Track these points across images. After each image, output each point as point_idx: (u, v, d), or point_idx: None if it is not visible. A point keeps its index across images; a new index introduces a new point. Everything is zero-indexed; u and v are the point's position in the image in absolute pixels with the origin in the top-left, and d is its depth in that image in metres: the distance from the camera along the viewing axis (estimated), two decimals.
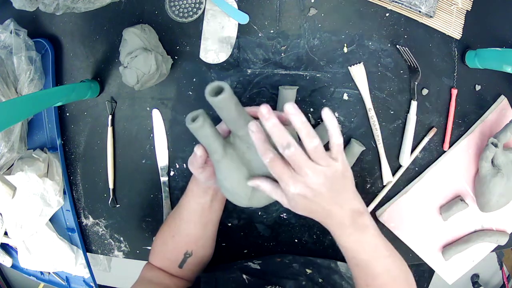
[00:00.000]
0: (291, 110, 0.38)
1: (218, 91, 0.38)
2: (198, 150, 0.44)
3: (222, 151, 0.42)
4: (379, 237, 0.44)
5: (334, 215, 0.41)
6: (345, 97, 0.61)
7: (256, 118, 0.43)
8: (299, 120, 0.38)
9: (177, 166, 0.64)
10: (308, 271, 0.56)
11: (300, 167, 0.39)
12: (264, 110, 0.38)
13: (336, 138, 0.40)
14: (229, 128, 0.43)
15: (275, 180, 0.41)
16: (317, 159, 0.39)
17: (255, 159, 0.43)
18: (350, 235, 0.42)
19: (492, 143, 0.56)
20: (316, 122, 0.62)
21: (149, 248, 0.68)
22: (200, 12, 0.59)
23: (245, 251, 0.67)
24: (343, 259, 0.64)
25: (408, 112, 0.61)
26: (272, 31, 0.59)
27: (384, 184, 0.63)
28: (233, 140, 0.44)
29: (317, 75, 0.60)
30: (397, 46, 0.59)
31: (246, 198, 0.44)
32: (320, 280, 0.55)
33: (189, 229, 0.54)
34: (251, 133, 0.39)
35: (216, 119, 0.42)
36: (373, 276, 0.44)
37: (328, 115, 0.39)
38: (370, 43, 0.59)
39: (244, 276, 0.52)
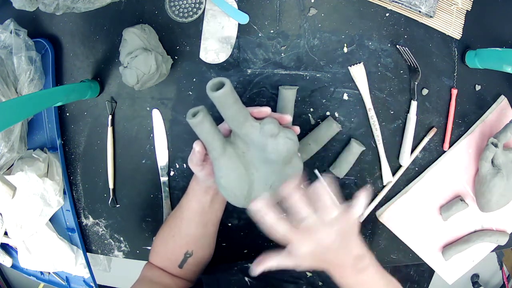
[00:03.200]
0: (319, 190, 0.40)
1: (219, 87, 0.38)
2: (196, 146, 0.44)
3: (221, 149, 0.42)
4: (377, 274, 0.45)
5: (337, 262, 0.41)
6: (345, 97, 0.61)
7: (258, 118, 0.43)
8: (325, 194, 0.39)
9: (177, 166, 0.64)
10: (308, 274, 0.56)
11: (314, 232, 0.39)
12: (287, 188, 0.39)
13: (358, 210, 0.41)
14: (230, 126, 0.43)
15: None
16: (331, 221, 0.39)
17: (254, 160, 0.43)
18: (349, 277, 0.42)
19: (492, 143, 0.56)
20: (316, 122, 0.62)
21: (149, 248, 0.68)
22: (200, 12, 0.59)
23: (245, 251, 0.67)
24: None
25: (408, 112, 0.61)
26: (272, 31, 0.59)
27: (384, 184, 0.63)
28: (233, 139, 0.44)
29: (317, 75, 0.60)
30: (397, 46, 0.59)
31: (242, 198, 0.43)
32: (320, 284, 0.55)
33: (190, 229, 0.54)
34: (257, 213, 0.40)
35: (218, 120, 0.42)
36: None
37: (364, 195, 0.41)
38: (370, 43, 0.59)
39: (246, 279, 0.52)
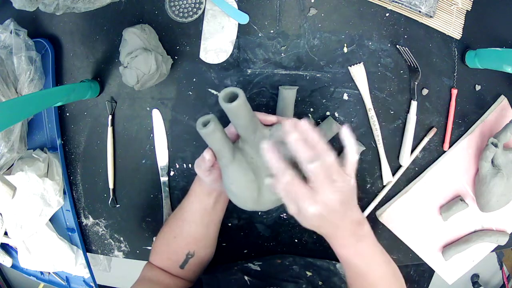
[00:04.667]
0: (307, 126, 0.39)
1: (232, 97, 0.38)
2: (207, 155, 0.44)
3: (230, 156, 0.42)
4: (376, 246, 0.45)
5: (339, 228, 0.41)
6: (345, 97, 0.61)
7: (266, 125, 0.44)
8: (315, 137, 0.39)
9: (177, 166, 0.64)
10: (308, 273, 0.56)
11: (321, 185, 0.38)
12: (287, 125, 0.39)
13: (353, 156, 0.40)
14: (239, 133, 0.43)
15: None
16: (334, 174, 0.39)
17: (263, 166, 0.43)
18: (349, 246, 0.43)
19: (492, 143, 0.56)
20: (316, 122, 0.62)
21: (149, 248, 0.68)
22: (200, 12, 0.59)
23: (245, 251, 0.67)
24: None
25: (408, 112, 0.61)
26: (272, 31, 0.59)
27: (384, 184, 0.63)
28: (242, 145, 0.44)
29: (317, 75, 0.60)
30: (397, 46, 0.59)
31: (251, 203, 0.44)
32: (320, 283, 0.55)
33: (192, 230, 0.54)
34: (263, 150, 0.39)
35: (222, 121, 0.42)
36: (369, 284, 0.44)
37: (347, 134, 0.40)
38: (370, 43, 0.59)
39: (246, 278, 0.52)
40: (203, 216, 0.53)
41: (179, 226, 0.55)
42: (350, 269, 0.45)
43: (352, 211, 0.42)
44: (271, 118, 0.46)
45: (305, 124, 0.39)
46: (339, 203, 0.39)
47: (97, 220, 0.68)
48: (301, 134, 0.39)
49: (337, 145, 0.62)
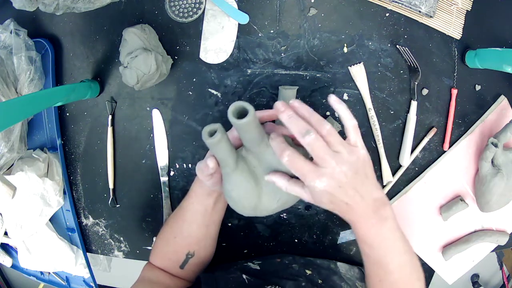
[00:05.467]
0: (298, 103, 0.39)
1: (241, 111, 0.38)
2: (211, 163, 0.43)
3: (234, 165, 0.42)
4: (399, 231, 0.42)
5: (357, 206, 0.39)
6: (345, 97, 0.61)
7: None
8: (307, 110, 0.38)
9: (177, 166, 0.64)
10: (308, 272, 0.56)
11: (322, 157, 0.37)
12: (279, 104, 0.39)
13: (349, 119, 0.39)
14: (245, 145, 0.43)
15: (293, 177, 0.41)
16: (335, 145, 0.38)
17: (263, 174, 0.43)
18: (371, 227, 0.40)
19: (492, 143, 0.56)
20: None
21: (149, 248, 0.68)
22: (200, 12, 0.59)
23: (245, 251, 0.67)
24: (342, 260, 0.65)
25: (408, 112, 0.61)
26: (272, 31, 0.59)
27: (384, 184, 0.63)
28: (245, 154, 0.44)
29: (317, 75, 0.60)
30: (397, 46, 0.59)
31: (250, 209, 0.44)
32: (319, 282, 0.55)
33: (192, 230, 0.54)
34: (271, 140, 0.40)
35: (226, 126, 0.42)
36: (388, 272, 0.42)
37: (335, 100, 0.39)
38: (370, 43, 0.59)
39: (244, 276, 0.52)
40: (204, 216, 0.53)
41: (180, 226, 0.55)
42: (368, 254, 0.43)
43: (372, 188, 0.40)
44: (271, 112, 0.44)
45: (295, 102, 0.39)
46: (348, 177, 0.37)
47: (97, 220, 0.68)
48: (294, 111, 0.39)
49: None
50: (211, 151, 0.42)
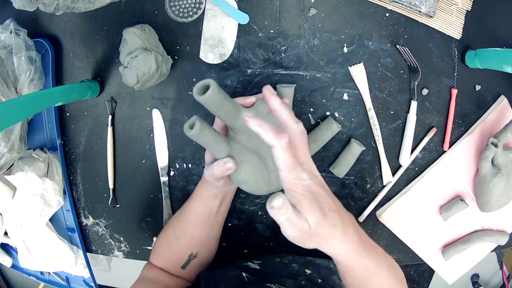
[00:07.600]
0: (269, 91, 0.41)
1: (206, 89, 0.38)
2: (228, 163, 0.42)
3: (227, 149, 0.42)
4: (368, 238, 0.43)
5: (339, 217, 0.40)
6: (345, 97, 0.61)
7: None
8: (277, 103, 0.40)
9: (177, 166, 0.64)
10: (308, 271, 0.56)
11: (306, 153, 0.39)
12: (267, 90, 0.40)
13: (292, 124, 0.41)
14: (225, 123, 0.43)
15: None
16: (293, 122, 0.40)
17: (260, 145, 0.43)
18: (353, 243, 0.41)
19: (492, 143, 0.56)
20: (316, 122, 0.62)
21: (149, 248, 0.68)
22: (200, 12, 0.59)
23: (245, 251, 0.67)
24: None
25: (408, 112, 0.61)
26: (272, 31, 0.59)
27: (384, 184, 0.63)
28: (233, 135, 0.44)
29: (317, 75, 0.60)
30: (397, 46, 0.59)
31: (265, 184, 0.43)
32: (319, 281, 0.55)
33: (196, 233, 0.54)
34: (247, 122, 0.39)
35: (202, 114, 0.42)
36: (379, 283, 0.43)
37: (265, 90, 0.43)
38: (370, 43, 0.59)
39: (244, 274, 0.52)
40: (209, 218, 0.53)
41: (183, 229, 0.54)
42: (357, 274, 0.42)
43: (334, 197, 0.40)
44: (250, 100, 0.46)
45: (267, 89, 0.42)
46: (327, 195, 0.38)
47: (97, 220, 0.68)
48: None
49: (337, 145, 0.62)
50: (199, 143, 0.41)
